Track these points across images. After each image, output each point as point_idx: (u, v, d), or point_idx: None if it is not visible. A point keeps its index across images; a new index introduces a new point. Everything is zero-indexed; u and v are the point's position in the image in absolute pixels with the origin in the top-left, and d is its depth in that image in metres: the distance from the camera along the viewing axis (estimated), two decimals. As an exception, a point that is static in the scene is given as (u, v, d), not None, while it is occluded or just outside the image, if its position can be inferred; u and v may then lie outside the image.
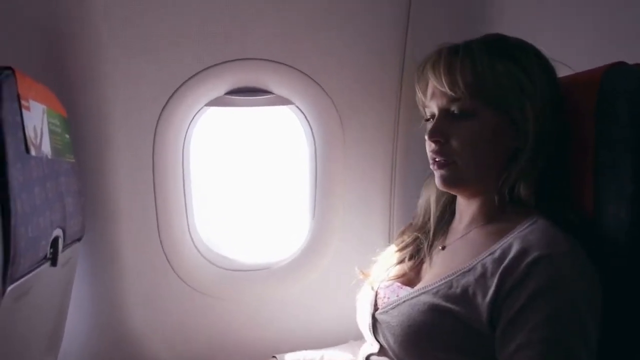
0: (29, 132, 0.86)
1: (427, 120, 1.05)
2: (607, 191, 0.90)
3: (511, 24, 1.17)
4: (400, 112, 1.49)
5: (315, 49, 1.44)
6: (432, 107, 1.01)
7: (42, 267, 0.96)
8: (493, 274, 0.87)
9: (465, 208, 1.06)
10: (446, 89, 0.95)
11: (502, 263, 0.86)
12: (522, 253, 0.85)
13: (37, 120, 0.91)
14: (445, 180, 0.99)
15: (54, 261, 1.01)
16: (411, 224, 1.20)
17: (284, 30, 1.42)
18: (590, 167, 0.92)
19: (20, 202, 0.82)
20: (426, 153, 1.03)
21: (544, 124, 0.93)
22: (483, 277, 0.88)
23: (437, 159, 0.99)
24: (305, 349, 1.32)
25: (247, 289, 1.55)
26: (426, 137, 1.00)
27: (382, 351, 1.04)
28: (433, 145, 0.99)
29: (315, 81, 1.46)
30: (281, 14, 1.40)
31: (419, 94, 1.05)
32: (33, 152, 0.87)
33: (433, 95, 1.00)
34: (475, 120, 0.95)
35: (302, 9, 1.40)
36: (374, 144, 1.53)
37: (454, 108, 0.96)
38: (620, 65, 0.92)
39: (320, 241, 1.56)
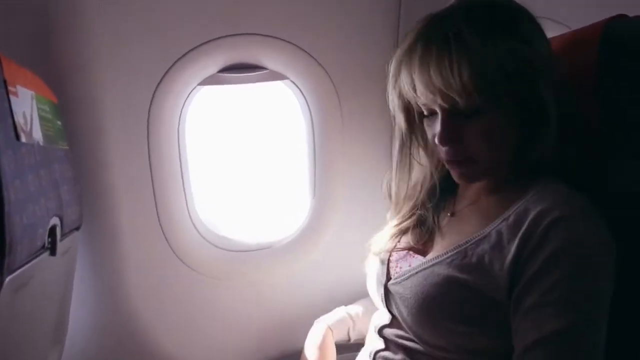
0: (18, 119, 0.84)
1: (424, 115, 0.95)
2: (619, 150, 0.86)
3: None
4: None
5: (309, 22, 1.42)
6: (430, 104, 0.90)
7: (41, 257, 0.94)
8: (510, 241, 0.84)
9: (467, 187, 1.04)
10: (445, 90, 0.84)
11: (520, 228, 0.84)
12: (540, 216, 0.82)
13: (26, 106, 0.88)
14: (465, 178, 0.94)
15: (52, 250, 0.99)
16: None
17: (276, 3, 1.39)
18: (597, 127, 0.89)
19: (13, 190, 0.80)
20: None
21: (560, 97, 0.87)
22: (499, 244, 0.85)
23: (454, 159, 0.91)
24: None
25: (251, 269, 1.54)
26: (436, 142, 0.91)
27: (394, 322, 1.02)
28: (446, 148, 0.90)
29: (310, 54, 1.44)
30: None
31: (405, 87, 0.91)
32: (24, 139, 0.85)
33: (427, 92, 0.87)
34: (487, 115, 0.86)
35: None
36: (372, 118, 1.51)
37: (459, 107, 0.86)
38: (620, 18, 0.88)
39: (322, 218, 1.54)
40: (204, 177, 1.58)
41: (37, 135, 0.92)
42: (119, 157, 1.39)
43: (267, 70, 1.46)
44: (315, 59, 1.44)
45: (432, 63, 0.83)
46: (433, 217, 1.06)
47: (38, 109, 0.94)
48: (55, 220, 1.00)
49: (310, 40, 1.43)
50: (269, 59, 1.46)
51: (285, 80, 1.49)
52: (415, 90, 0.88)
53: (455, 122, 0.87)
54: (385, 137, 1.52)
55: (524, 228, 0.83)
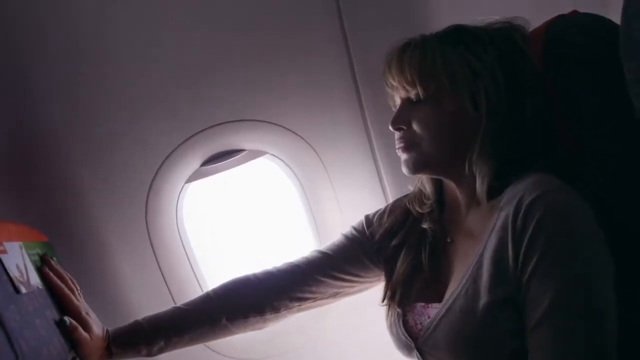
0: (14, 273, 0.88)
1: None
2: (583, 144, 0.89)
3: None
4: (369, 127, 1.51)
5: (280, 98, 1.46)
6: (397, 100, 1.05)
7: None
8: (505, 246, 0.86)
9: (453, 197, 1.06)
10: (400, 80, 0.99)
11: (507, 228, 0.86)
12: (519, 203, 0.85)
13: (18, 258, 0.93)
14: (409, 163, 1.01)
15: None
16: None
17: (245, 88, 1.44)
18: (563, 122, 0.93)
19: (24, 342, 0.83)
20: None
21: (498, 102, 0.93)
22: (498, 252, 0.87)
23: (401, 144, 1.02)
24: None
25: (274, 343, 1.53)
26: (390, 127, 1.03)
27: None
28: (397, 133, 1.03)
29: (286, 128, 1.48)
30: (240, 74, 1.43)
31: (388, 91, 1.08)
32: (23, 290, 0.89)
33: (394, 88, 1.03)
34: (434, 104, 0.97)
35: (256, 67, 1.43)
36: (358, 168, 1.54)
37: (412, 95, 1.00)
38: (562, 17, 0.93)
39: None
40: (212, 259, 1.60)
41: (35, 280, 0.96)
42: (125, 265, 1.43)
43: (246, 151, 1.50)
44: (293, 131, 1.48)
45: (396, 58, 1.00)
46: (429, 251, 1.08)
47: (29, 254, 0.98)
48: (72, 354, 1.02)
49: (282, 114, 1.47)
50: (247, 141, 1.50)
51: (266, 155, 1.52)
52: (391, 89, 1.05)
53: (408, 107, 1.01)
54: (374, 181, 1.55)
55: (510, 224, 0.85)
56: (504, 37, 0.97)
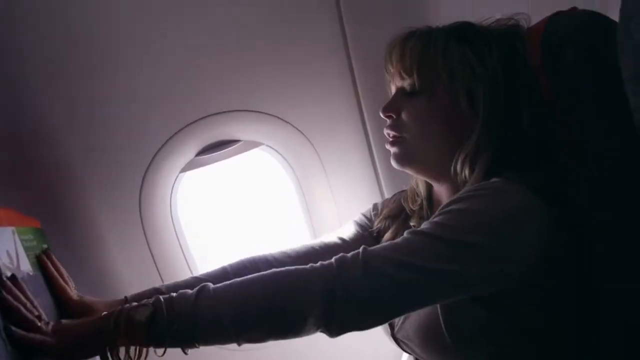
0: (3, 259, 0.87)
1: None
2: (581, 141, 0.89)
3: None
4: (366, 120, 1.50)
5: (274, 89, 1.46)
6: (392, 89, 1.04)
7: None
8: None
9: (439, 197, 1.06)
10: (399, 67, 0.98)
11: None
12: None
13: (9, 243, 0.92)
14: (396, 157, 1.01)
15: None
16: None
17: (239, 78, 1.43)
18: (560, 119, 0.92)
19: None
20: None
21: (495, 106, 0.92)
22: None
23: (390, 135, 1.02)
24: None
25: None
26: (380, 114, 1.02)
27: None
28: (387, 121, 1.02)
29: (280, 118, 1.48)
30: (235, 64, 1.42)
31: (387, 80, 1.07)
32: (8, 274, 0.88)
33: (392, 75, 1.03)
34: (426, 97, 0.96)
35: (252, 57, 1.42)
36: (353, 159, 1.54)
37: (407, 86, 0.99)
38: (561, 13, 0.92)
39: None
40: (206, 249, 1.60)
41: (26, 267, 0.95)
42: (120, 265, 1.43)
43: (241, 142, 1.50)
44: (289, 122, 1.48)
45: (398, 45, 0.98)
46: None
47: (22, 240, 0.97)
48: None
49: (278, 105, 1.47)
50: (242, 131, 1.50)
51: (261, 146, 1.52)
52: (387, 71, 1.04)
53: (401, 97, 1.00)
54: (368, 170, 1.55)
55: None
56: (507, 42, 0.96)
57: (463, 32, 0.97)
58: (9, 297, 0.83)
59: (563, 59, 0.90)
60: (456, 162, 0.95)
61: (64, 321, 0.91)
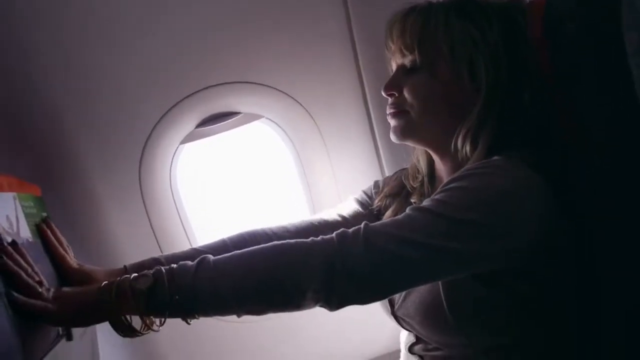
0: (3, 224, 0.87)
1: None
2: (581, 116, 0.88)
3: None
4: (367, 93, 1.50)
5: (275, 61, 1.45)
6: (393, 65, 1.04)
7: (59, 345, 0.95)
8: None
9: (440, 174, 1.06)
10: (399, 43, 0.98)
11: None
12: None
13: (10, 209, 0.92)
14: (396, 130, 1.01)
15: (69, 335, 1.01)
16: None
17: (239, 49, 1.42)
18: (559, 98, 0.92)
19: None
20: None
21: (497, 79, 0.92)
22: None
23: (391, 110, 1.02)
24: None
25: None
26: (382, 93, 1.02)
27: (419, 339, 1.05)
28: (389, 99, 1.02)
29: (281, 91, 1.47)
30: (235, 35, 1.40)
31: (388, 56, 1.07)
32: (9, 240, 0.88)
33: (393, 52, 1.02)
34: (428, 73, 0.97)
35: (253, 28, 1.41)
36: (352, 133, 1.54)
37: (407, 62, 0.99)
38: None
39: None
40: (205, 221, 1.61)
41: (25, 233, 0.95)
42: (119, 227, 1.44)
43: (241, 114, 1.49)
44: (289, 95, 1.47)
45: (399, 22, 0.99)
46: None
47: (22, 206, 0.98)
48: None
49: (279, 77, 1.46)
50: (243, 104, 1.49)
51: (262, 119, 1.52)
52: (387, 48, 1.03)
53: (402, 74, 1.00)
54: (369, 147, 1.55)
55: None
56: (508, 15, 0.95)
57: (463, 6, 0.97)
58: (10, 262, 0.84)
59: (564, 33, 0.89)
60: (457, 137, 0.95)
61: (64, 288, 0.92)
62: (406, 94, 0.98)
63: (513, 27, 0.95)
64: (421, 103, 0.97)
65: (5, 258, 0.84)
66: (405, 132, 1.00)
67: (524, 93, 0.92)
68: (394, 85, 1.00)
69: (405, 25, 0.97)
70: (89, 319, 0.89)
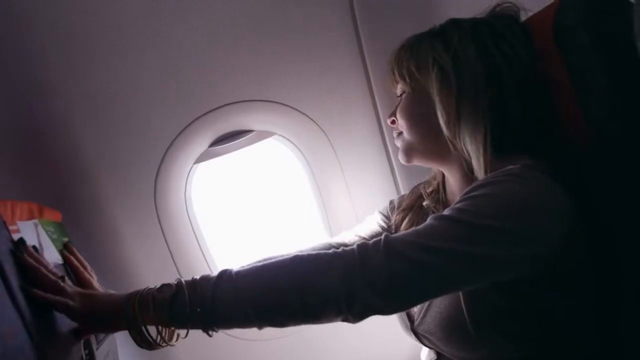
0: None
1: None
2: (595, 120, 0.88)
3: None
4: (379, 110, 1.50)
5: (287, 78, 1.46)
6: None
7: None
8: None
9: (451, 186, 1.08)
10: (392, 79, 1.07)
11: None
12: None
13: (32, 237, 0.93)
14: (400, 151, 1.07)
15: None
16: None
17: (250, 68, 1.43)
18: (572, 101, 0.92)
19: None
20: None
21: (462, 86, 0.93)
22: None
23: (394, 134, 1.10)
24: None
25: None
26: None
27: (441, 355, 1.05)
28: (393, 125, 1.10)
29: (293, 107, 1.48)
30: (247, 54, 1.42)
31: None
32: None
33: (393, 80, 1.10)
34: (407, 95, 1.03)
35: (265, 47, 1.43)
36: (366, 151, 1.54)
37: (398, 91, 1.08)
38: None
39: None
40: (221, 241, 1.61)
41: (53, 256, 0.97)
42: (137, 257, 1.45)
43: (254, 132, 1.51)
44: (302, 112, 1.49)
45: (392, 60, 1.05)
46: None
47: (46, 231, 0.99)
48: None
49: (290, 94, 1.47)
50: (255, 121, 1.50)
51: (274, 135, 1.53)
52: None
53: (397, 103, 1.07)
54: (382, 161, 1.55)
55: None
56: (491, 25, 0.96)
57: (444, 27, 1.00)
58: (29, 259, 0.86)
59: (576, 41, 0.90)
60: (449, 142, 0.97)
61: (92, 291, 0.94)
62: (397, 118, 1.05)
63: (494, 34, 0.95)
64: (406, 122, 1.02)
65: (25, 254, 0.86)
66: (405, 152, 1.05)
67: (508, 99, 0.92)
68: (392, 113, 1.08)
69: (394, 62, 1.04)
70: (109, 324, 0.91)
